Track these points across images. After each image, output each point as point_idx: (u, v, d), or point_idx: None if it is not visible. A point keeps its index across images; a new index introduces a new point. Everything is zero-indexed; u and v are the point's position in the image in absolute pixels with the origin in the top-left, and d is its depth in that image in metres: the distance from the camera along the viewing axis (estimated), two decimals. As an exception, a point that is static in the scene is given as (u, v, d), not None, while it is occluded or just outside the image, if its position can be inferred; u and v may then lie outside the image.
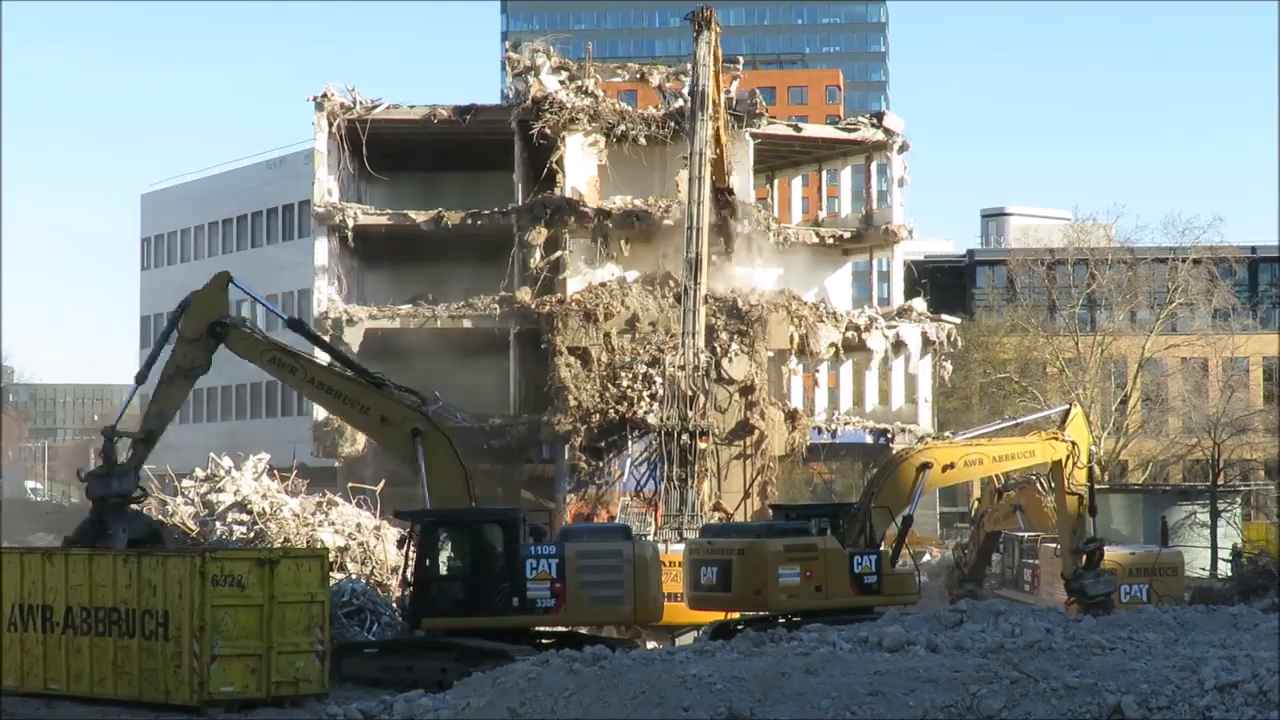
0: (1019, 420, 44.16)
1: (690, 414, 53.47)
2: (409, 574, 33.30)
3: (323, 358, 38.68)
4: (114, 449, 34.07)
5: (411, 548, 33.33)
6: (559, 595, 32.29)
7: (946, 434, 45.29)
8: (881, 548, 37.44)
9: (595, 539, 34.07)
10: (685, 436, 52.13)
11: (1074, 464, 40.88)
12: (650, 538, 47.77)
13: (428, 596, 32.89)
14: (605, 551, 32.97)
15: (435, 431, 34.42)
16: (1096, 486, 43.18)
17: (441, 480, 34.12)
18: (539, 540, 33.40)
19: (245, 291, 35.50)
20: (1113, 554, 48.48)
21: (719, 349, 61.78)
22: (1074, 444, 40.89)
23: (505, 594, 32.45)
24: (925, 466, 39.17)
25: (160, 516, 44.72)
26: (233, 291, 35.44)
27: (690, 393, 53.92)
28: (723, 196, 62.08)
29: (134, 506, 33.92)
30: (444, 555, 33.26)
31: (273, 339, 36.20)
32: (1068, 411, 42.10)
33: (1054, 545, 52.41)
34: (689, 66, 64.45)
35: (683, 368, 54.36)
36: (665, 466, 52.55)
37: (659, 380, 58.96)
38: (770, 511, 44.84)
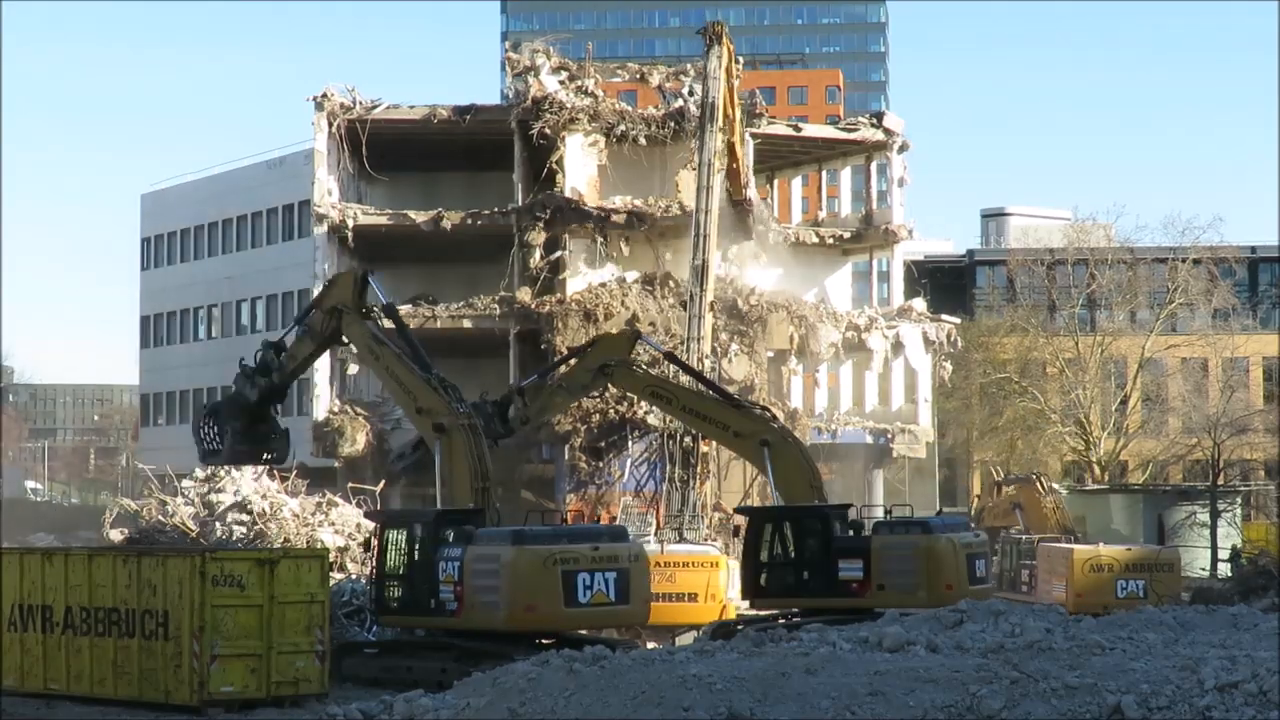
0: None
1: None
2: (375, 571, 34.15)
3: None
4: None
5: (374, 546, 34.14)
6: (460, 598, 32.13)
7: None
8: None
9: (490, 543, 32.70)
10: (687, 438, 52.14)
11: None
12: (651, 538, 47.84)
13: (381, 595, 33.53)
14: (489, 555, 32.05)
15: (461, 431, 34.71)
16: (1095, 487, 42.82)
17: (455, 477, 34.25)
18: (465, 542, 32.95)
19: (377, 290, 38.35)
20: (1110, 551, 48.63)
21: (719, 349, 61.78)
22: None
23: (426, 595, 32.56)
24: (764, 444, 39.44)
25: (160, 517, 44.81)
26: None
27: None
28: (740, 208, 62.05)
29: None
30: (392, 555, 33.56)
31: (374, 332, 37.86)
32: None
33: (1050, 545, 52.53)
34: (689, 67, 64.51)
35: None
36: (666, 467, 52.57)
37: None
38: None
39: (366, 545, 35.60)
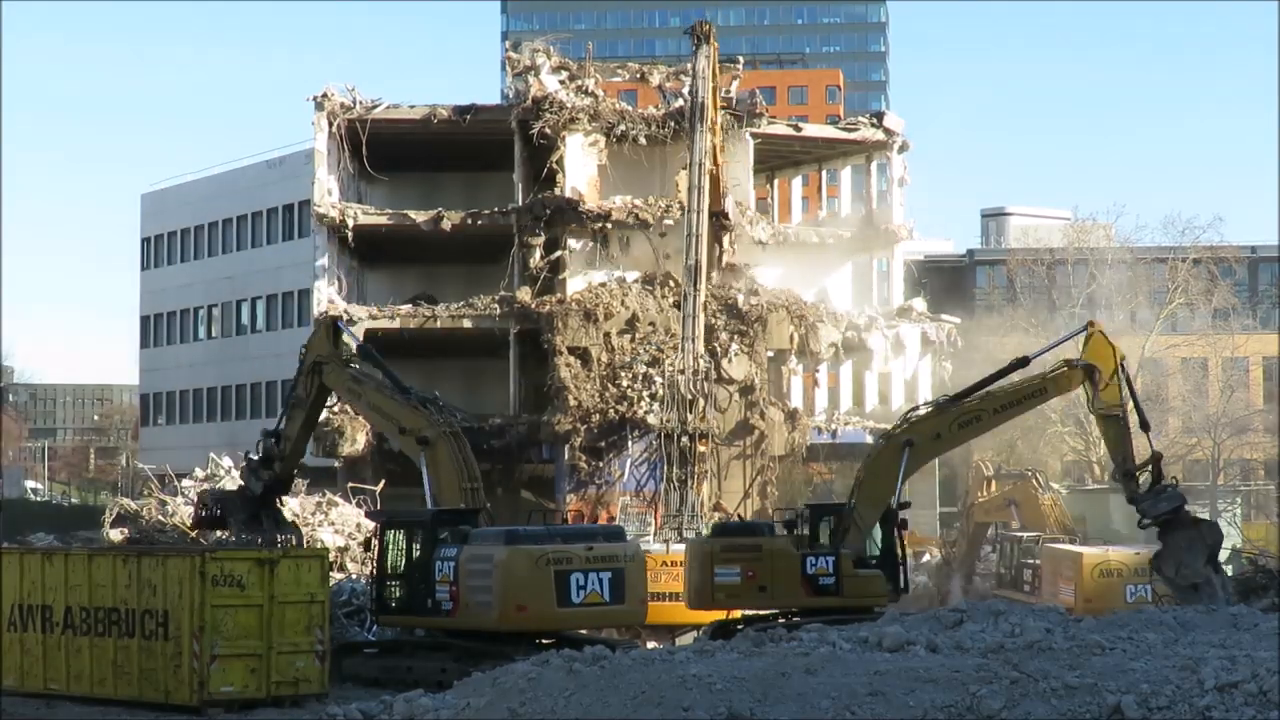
0: (1026, 359, 38.39)
1: (690, 417, 53.45)
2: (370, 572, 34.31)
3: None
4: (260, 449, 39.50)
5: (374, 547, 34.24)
6: (455, 599, 32.12)
7: (924, 403, 42.28)
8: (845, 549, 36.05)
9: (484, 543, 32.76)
10: (685, 439, 52.13)
11: (1095, 388, 36.96)
12: (650, 538, 47.87)
13: (380, 595, 33.58)
14: (483, 556, 32.04)
15: (445, 440, 35.24)
16: (1095, 487, 42.07)
17: (442, 485, 34.83)
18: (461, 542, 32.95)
19: (349, 334, 39.66)
20: (1120, 555, 48.38)
21: (719, 349, 61.81)
22: (1089, 367, 37.03)
23: (422, 596, 32.61)
24: (907, 444, 36.61)
25: (160, 517, 44.85)
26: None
27: (690, 396, 53.91)
28: (716, 220, 61.10)
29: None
30: (391, 556, 33.66)
31: (352, 371, 38.78)
32: (1087, 334, 38.05)
33: (1056, 546, 52.41)
34: (689, 67, 64.45)
35: (683, 371, 54.36)
36: (665, 468, 52.57)
37: (659, 380, 58.99)
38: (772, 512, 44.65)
39: (367, 545, 35.67)
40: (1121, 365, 37.27)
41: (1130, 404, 37.31)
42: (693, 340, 54.26)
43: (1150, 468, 37.06)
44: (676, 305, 58.38)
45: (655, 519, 54.20)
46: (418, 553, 33.05)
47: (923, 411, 38.44)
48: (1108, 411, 36.98)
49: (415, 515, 34.77)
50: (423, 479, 35.15)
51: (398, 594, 33.16)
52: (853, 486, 37.91)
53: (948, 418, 37.10)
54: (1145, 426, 37.38)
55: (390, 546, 33.56)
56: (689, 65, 60.25)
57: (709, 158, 57.04)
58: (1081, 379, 37.08)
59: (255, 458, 39.29)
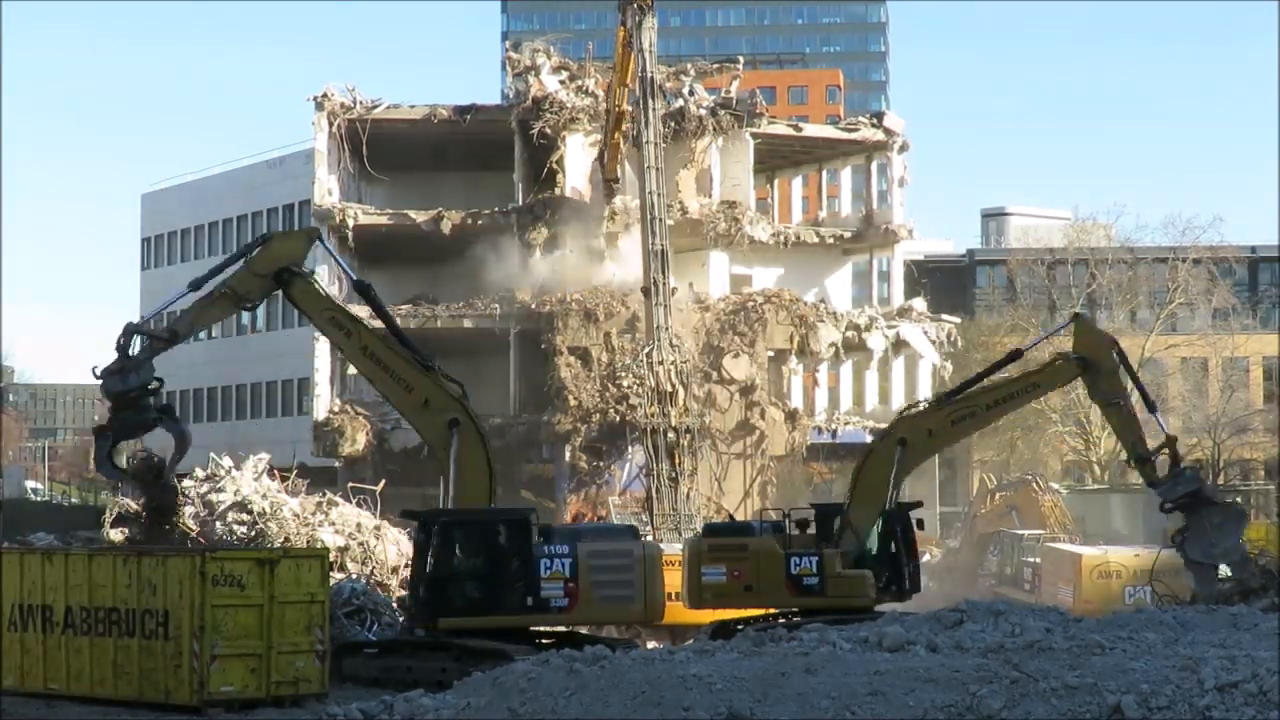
0: (1019, 350, 38.48)
1: (672, 411, 52.55)
2: (423, 572, 32.81)
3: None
4: (130, 344, 33.07)
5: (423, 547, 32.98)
6: (572, 595, 32.26)
7: (921, 399, 42.16)
8: (828, 549, 35.75)
9: (605, 539, 34.08)
10: (671, 434, 51.66)
11: (1095, 375, 36.42)
12: (649, 538, 47.74)
13: (442, 596, 32.55)
14: (617, 551, 33.01)
15: (472, 427, 33.56)
16: (1095, 487, 42.18)
17: (468, 478, 33.44)
18: (549, 540, 33.22)
19: (331, 253, 35.75)
20: (1119, 556, 48.39)
21: (721, 346, 61.85)
22: (1081, 358, 36.38)
23: (520, 594, 32.41)
24: (901, 443, 36.17)
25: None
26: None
27: (670, 389, 53.00)
28: (608, 186, 63.38)
29: (150, 401, 33.12)
30: (457, 555, 32.94)
31: (333, 300, 35.28)
32: (1075, 327, 37.85)
33: (1055, 546, 52.46)
34: (689, 66, 64.65)
35: (660, 363, 53.45)
36: (653, 465, 52.11)
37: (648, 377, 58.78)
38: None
39: (421, 546, 33.25)
40: (1119, 350, 36.83)
41: (1133, 387, 37.06)
42: (666, 329, 53.35)
43: (1167, 451, 36.60)
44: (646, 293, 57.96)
45: (651, 518, 53.93)
46: (504, 550, 32.57)
47: (917, 410, 38.22)
48: (1108, 399, 36.66)
49: (498, 513, 33.92)
50: (449, 465, 33.17)
51: (467, 594, 32.52)
52: (848, 490, 37.61)
53: (941, 414, 36.80)
54: (1152, 408, 37.38)
55: (449, 545, 32.73)
56: (690, 65, 60.50)
57: (616, 128, 57.91)
58: (1076, 371, 36.66)
59: (115, 362, 32.80)
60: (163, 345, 33.39)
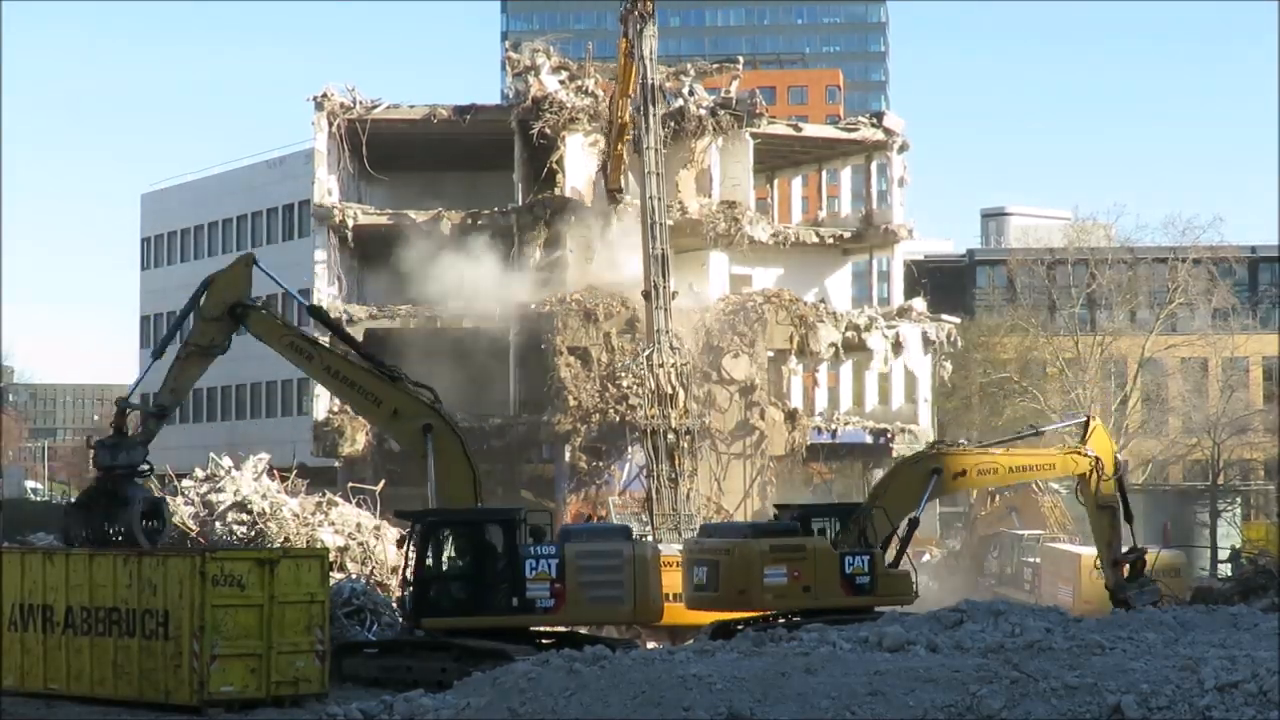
0: (1039, 430, 42.37)
1: (672, 413, 52.61)
2: (409, 573, 33.19)
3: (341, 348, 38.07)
4: (125, 420, 33.40)
5: (412, 547, 33.06)
6: (559, 595, 32.28)
7: (961, 440, 44.31)
8: (876, 549, 36.90)
9: (595, 539, 34.06)
10: (670, 435, 51.70)
11: (1099, 477, 39.52)
12: (649, 538, 47.66)
13: (428, 596, 32.78)
14: (606, 552, 32.97)
15: (447, 429, 33.93)
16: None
17: (449, 479, 33.75)
18: (539, 540, 33.31)
19: (269, 275, 34.68)
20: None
21: (722, 347, 61.81)
22: (1097, 459, 39.49)
23: (505, 594, 32.40)
24: (935, 472, 38.07)
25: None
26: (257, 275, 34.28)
27: (670, 391, 53.03)
28: (612, 196, 63.14)
29: (139, 481, 33.20)
30: (445, 555, 33.15)
31: (291, 325, 35.73)
32: (1087, 423, 40.78)
33: (1055, 546, 52.47)
34: (689, 66, 64.60)
35: (660, 366, 53.45)
36: (653, 466, 52.11)
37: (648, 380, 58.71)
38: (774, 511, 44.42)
39: (400, 543, 34.23)
40: (1117, 462, 40.38)
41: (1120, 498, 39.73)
42: (666, 332, 53.38)
43: (1134, 558, 39.55)
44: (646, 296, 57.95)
45: (651, 518, 53.85)
46: (490, 550, 32.63)
47: (958, 447, 40.60)
48: (1106, 503, 39.47)
49: (485, 513, 34.07)
50: (428, 470, 33.73)
51: (453, 594, 32.65)
52: (870, 495, 39.03)
53: (975, 460, 39.29)
54: (1129, 518, 40.03)
55: (439, 546, 32.92)
56: (690, 65, 60.37)
57: (619, 140, 57.87)
58: (1087, 467, 39.48)
59: (110, 436, 33.00)
60: (155, 423, 33.77)
